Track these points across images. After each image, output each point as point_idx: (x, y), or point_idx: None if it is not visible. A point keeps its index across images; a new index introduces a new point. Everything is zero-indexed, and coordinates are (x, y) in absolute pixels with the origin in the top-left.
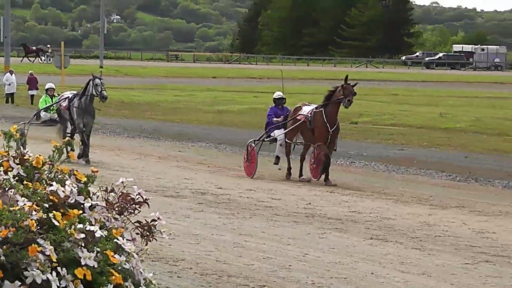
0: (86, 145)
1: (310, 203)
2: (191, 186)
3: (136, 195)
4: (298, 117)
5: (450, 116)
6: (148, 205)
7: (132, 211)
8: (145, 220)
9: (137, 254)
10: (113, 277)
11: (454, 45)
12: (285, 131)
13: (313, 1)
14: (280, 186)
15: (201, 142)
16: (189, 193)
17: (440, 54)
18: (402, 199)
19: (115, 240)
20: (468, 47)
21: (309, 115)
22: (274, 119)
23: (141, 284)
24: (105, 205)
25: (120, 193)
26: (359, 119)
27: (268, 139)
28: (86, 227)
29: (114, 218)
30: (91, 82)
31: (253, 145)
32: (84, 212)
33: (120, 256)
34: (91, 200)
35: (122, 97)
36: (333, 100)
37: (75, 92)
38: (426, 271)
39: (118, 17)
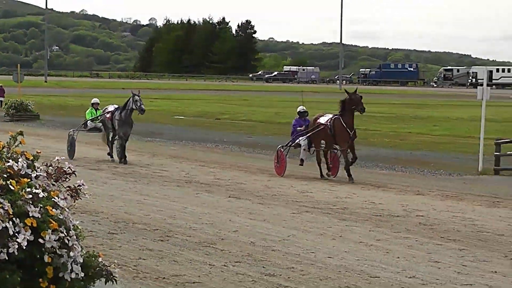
0: (123, 149)
1: (188, 173)
2: (107, 161)
3: (67, 168)
4: (318, 126)
5: (282, 114)
6: (75, 175)
7: (64, 179)
8: (74, 185)
9: (68, 208)
10: (52, 224)
11: (284, 66)
12: (306, 137)
13: (189, 38)
14: (171, 162)
15: None
16: (106, 167)
17: (275, 73)
18: (251, 170)
19: (53, 199)
20: (294, 68)
21: (329, 123)
22: (298, 128)
23: (71, 229)
24: (45, 175)
25: (56, 167)
26: (221, 116)
27: (293, 144)
28: (32, 190)
29: (52, 184)
30: (131, 98)
31: (282, 150)
32: (31, 180)
33: (56, 210)
34: (36, 172)
35: (60, 102)
36: (347, 108)
37: (116, 106)
38: (266, 219)
39: (57, 47)
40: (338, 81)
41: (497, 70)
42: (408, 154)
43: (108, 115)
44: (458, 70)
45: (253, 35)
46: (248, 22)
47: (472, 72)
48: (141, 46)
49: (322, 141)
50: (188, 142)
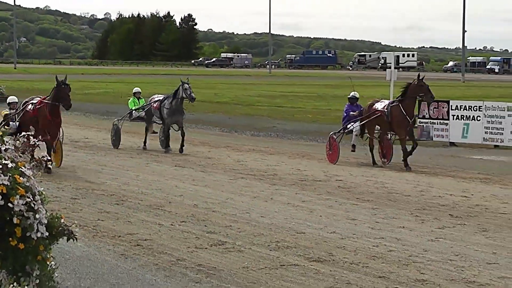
0: (167, 138)
1: (139, 146)
2: (70, 137)
3: (32, 142)
4: (374, 112)
5: (220, 95)
6: (40, 148)
7: (30, 151)
8: (38, 157)
9: (34, 177)
10: (19, 190)
11: (222, 54)
12: (360, 124)
13: (139, 29)
14: (124, 137)
15: (76, 112)
16: (68, 141)
17: (214, 59)
18: (193, 143)
19: (20, 169)
20: (230, 55)
21: (385, 110)
22: (351, 113)
23: (37, 194)
24: (14, 148)
25: (23, 141)
26: None
27: (345, 131)
28: (2, 161)
29: (19, 156)
30: (180, 86)
31: (334, 136)
32: (1, 153)
33: (23, 178)
34: (5, 145)
35: (28, 86)
36: (409, 95)
37: (163, 95)
38: (207, 184)
39: (24, 38)
40: (268, 66)
41: (403, 55)
42: (328, 127)
43: (155, 104)
44: (370, 56)
45: (194, 26)
46: (190, 15)
47: (382, 57)
48: (98, 37)
49: (377, 128)
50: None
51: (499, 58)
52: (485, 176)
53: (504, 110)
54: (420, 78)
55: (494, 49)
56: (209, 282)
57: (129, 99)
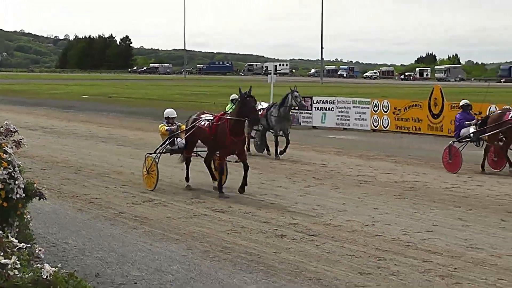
0: (287, 143)
1: (91, 131)
2: (40, 124)
3: (13, 128)
4: (507, 121)
5: (150, 93)
6: (18, 133)
7: (11, 135)
8: (17, 139)
9: (14, 153)
10: (3, 163)
11: (150, 64)
12: (480, 130)
13: (91, 47)
14: (80, 125)
15: (44, 106)
16: (39, 127)
17: (145, 68)
18: (131, 129)
19: (3, 148)
20: (156, 64)
21: None
22: (466, 122)
23: (16, 167)
24: None
25: (5, 128)
26: (111, 95)
27: (467, 139)
28: None
29: (2, 138)
30: (289, 94)
31: (455, 145)
32: None
33: (6, 154)
34: None
35: (8, 88)
36: None
37: (267, 103)
38: (141, 158)
39: (5, 53)
40: (183, 73)
41: (280, 65)
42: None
43: (260, 112)
44: (256, 65)
45: (130, 44)
46: (127, 36)
47: (265, 66)
48: (60, 52)
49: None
50: (92, 111)
51: (346, 67)
52: (338, 150)
53: (350, 103)
54: None
55: (343, 60)
56: (143, 228)
57: (228, 105)
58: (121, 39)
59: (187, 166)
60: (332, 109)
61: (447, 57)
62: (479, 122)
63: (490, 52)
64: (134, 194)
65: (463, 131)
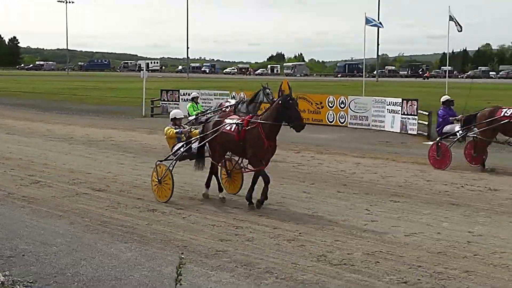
0: None
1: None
2: None
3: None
4: (501, 118)
5: (38, 88)
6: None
7: None
8: None
9: None
10: None
11: (36, 62)
12: (466, 128)
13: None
14: None
15: None
16: None
17: (31, 65)
18: (19, 119)
19: None
20: (42, 62)
21: None
22: (451, 118)
23: None
24: None
25: None
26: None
27: (454, 137)
28: None
29: None
30: (261, 91)
31: (444, 142)
32: None
33: None
34: None
35: None
36: None
37: (233, 100)
38: (28, 145)
39: None
40: (66, 69)
41: (151, 62)
42: (106, 108)
43: (228, 109)
44: (131, 63)
45: (18, 44)
46: (15, 37)
47: (138, 63)
48: None
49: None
50: None
51: (209, 64)
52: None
53: (212, 95)
54: None
55: (206, 58)
56: (30, 207)
57: (188, 104)
58: (9, 39)
59: (216, 175)
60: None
61: (293, 56)
62: (464, 119)
63: (329, 52)
64: (22, 177)
65: (447, 128)
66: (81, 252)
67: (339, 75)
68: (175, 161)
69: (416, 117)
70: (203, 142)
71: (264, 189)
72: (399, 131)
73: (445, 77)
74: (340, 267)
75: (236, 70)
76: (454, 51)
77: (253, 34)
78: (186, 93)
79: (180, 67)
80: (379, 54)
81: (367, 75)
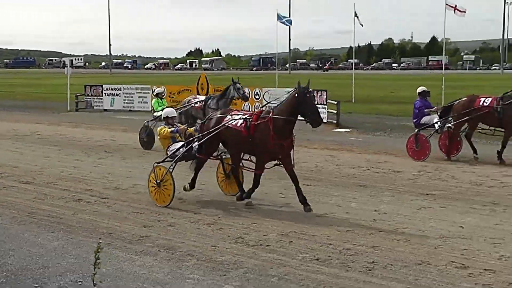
0: None
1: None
2: None
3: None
4: (480, 108)
5: None
6: None
7: None
8: None
9: None
10: None
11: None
12: (445, 119)
13: None
14: None
15: None
16: None
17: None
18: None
19: None
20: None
21: (496, 106)
22: (426, 110)
23: None
24: None
25: None
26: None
27: (433, 128)
28: None
29: None
30: (231, 86)
31: (423, 134)
32: None
33: None
34: None
35: None
36: None
37: (202, 96)
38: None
39: None
40: None
41: (75, 59)
42: (34, 103)
43: (197, 105)
44: (55, 60)
45: None
46: None
47: (63, 60)
48: None
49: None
50: None
51: (131, 60)
52: (124, 128)
53: (134, 90)
54: None
55: (128, 55)
56: None
57: (153, 100)
58: None
59: (196, 171)
60: (119, 94)
61: (211, 51)
62: (441, 110)
63: (244, 47)
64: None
65: (425, 119)
66: (9, 243)
67: (254, 69)
68: (175, 163)
69: (325, 106)
70: (202, 140)
71: (249, 190)
72: None
73: (351, 69)
74: (257, 248)
75: (156, 66)
76: (360, 45)
77: (172, 31)
78: (110, 88)
79: (103, 64)
80: (291, 48)
81: (280, 68)
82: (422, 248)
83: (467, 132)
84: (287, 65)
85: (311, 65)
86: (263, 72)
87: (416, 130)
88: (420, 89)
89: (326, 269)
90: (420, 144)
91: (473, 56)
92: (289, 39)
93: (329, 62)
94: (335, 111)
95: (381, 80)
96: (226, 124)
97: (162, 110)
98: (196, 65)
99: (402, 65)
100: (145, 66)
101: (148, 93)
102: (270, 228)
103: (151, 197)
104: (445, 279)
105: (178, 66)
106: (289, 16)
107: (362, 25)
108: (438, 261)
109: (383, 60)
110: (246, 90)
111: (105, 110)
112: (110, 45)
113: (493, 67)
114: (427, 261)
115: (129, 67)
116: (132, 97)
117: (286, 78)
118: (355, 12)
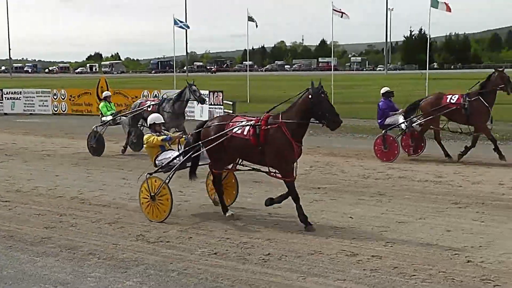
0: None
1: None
2: None
3: None
4: (447, 105)
5: None
6: None
7: None
8: None
9: None
10: None
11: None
12: (411, 118)
13: None
14: None
15: None
16: None
17: None
18: None
19: None
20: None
21: (464, 103)
22: (391, 112)
23: None
24: None
25: None
26: None
27: (401, 129)
28: None
29: None
30: (187, 88)
31: (390, 135)
32: None
33: None
34: None
35: None
36: (489, 88)
37: (153, 100)
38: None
39: None
40: None
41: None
42: None
43: (150, 108)
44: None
45: None
46: None
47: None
48: None
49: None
50: None
51: (31, 64)
52: (25, 131)
53: (34, 93)
54: (502, 69)
55: (28, 59)
56: None
57: (100, 104)
58: None
59: (219, 195)
60: (20, 98)
61: (110, 55)
62: (406, 109)
63: (143, 51)
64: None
65: (389, 120)
66: None
67: (153, 72)
68: (172, 173)
69: (222, 106)
70: (203, 150)
71: (284, 195)
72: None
73: (246, 70)
74: (157, 244)
75: (57, 69)
76: (254, 47)
77: (72, 35)
78: (10, 92)
79: (3, 68)
80: (188, 51)
81: (178, 70)
82: (314, 239)
83: (435, 135)
84: (185, 68)
85: (208, 67)
86: (162, 75)
87: (383, 131)
88: (383, 90)
89: (224, 262)
90: (388, 145)
91: (360, 58)
92: (186, 43)
93: (225, 65)
94: (231, 111)
95: (275, 81)
96: (230, 134)
97: (111, 114)
98: (96, 69)
99: (294, 66)
100: (46, 70)
101: (49, 96)
102: (170, 225)
103: (141, 209)
104: (336, 266)
105: (79, 69)
106: (186, 21)
107: (257, 26)
108: (329, 250)
109: (276, 62)
110: (203, 92)
111: (6, 114)
112: (9, 49)
113: (378, 68)
114: (319, 251)
115: (30, 71)
116: (33, 100)
117: (184, 80)
118: (248, 17)
